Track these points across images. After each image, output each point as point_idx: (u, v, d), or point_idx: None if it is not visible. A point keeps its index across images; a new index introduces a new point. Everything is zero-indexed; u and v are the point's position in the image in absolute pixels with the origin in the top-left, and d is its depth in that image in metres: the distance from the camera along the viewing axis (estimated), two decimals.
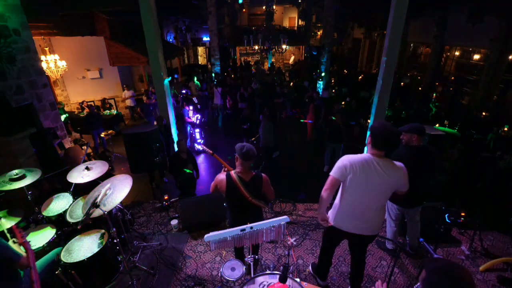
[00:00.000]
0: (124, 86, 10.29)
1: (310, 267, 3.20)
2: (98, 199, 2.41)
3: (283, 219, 2.12)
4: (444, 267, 1.28)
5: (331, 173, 2.27)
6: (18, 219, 2.95)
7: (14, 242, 2.41)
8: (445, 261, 1.35)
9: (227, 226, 2.56)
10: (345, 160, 2.22)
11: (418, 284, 2.01)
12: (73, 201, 3.34)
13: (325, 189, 2.27)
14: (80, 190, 3.57)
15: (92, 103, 9.24)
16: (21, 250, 2.23)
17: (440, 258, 1.44)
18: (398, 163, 2.22)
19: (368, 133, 2.24)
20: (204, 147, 3.31)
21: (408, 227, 3.27)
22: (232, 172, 2.43)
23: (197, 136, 7.37)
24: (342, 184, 2.30)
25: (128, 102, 10.42)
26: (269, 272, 2.21)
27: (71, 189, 3.50)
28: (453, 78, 10.52)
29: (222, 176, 2.44)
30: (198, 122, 7.43)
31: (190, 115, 7.37)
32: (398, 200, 3.06)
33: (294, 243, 3.64)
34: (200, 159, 7.03)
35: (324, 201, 2.27)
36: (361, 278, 2.71)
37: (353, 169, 2.18)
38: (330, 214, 2.48)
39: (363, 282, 3.04)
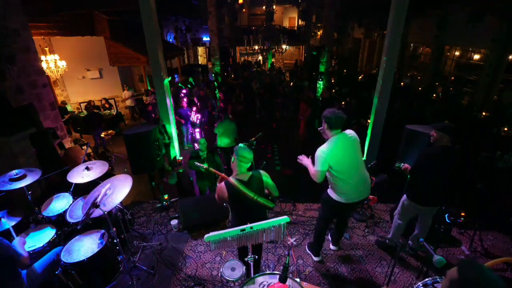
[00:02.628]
0: (125, 86, 10.30)
1: (306, 247, 3.54)
2: (98, 199, 2.41)
3: (283, 219, 2.12)
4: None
5: (316, 168, 2.69)
6: (18, 219, 2.95)
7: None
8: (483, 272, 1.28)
9: (227, 226, 2.55)
10: (321, 153, 2.66)
11: (419, 284, 2.02)
12: (73, 201, 3.34)
13: (317, 180, 2.73)
14: (80, 190, 3.57)
15: (92, 103, 9.24)
16: (23, 249, 2.24)
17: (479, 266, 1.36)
18: (348, 131, 2.75)
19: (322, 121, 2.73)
20: (197, 163, 3.24)
21: (417, 230, 3.24)
22: (230, 178, 2.39)
23: (197, 136, 7.37)
24: (330, 172, 2.71)
25: (128, 102, 10.43)
26: (269, 272, 2.21)
27: (71, 189, 3.50)
28: (453, 78, 10.51)
29: (221, 185, 2.40)
30: (198, 122, 7.43)
31: (192, 116, 7.37)
32: (418, 198, 3.03)
33: (294, 243, 3.64)
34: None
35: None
36: (341, 235, 3.45)
37: (331, 157, 2.63)
38: (334, 194, 2.85)
39: (363, 282, 3.05)
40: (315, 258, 3.34)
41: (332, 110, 2.66)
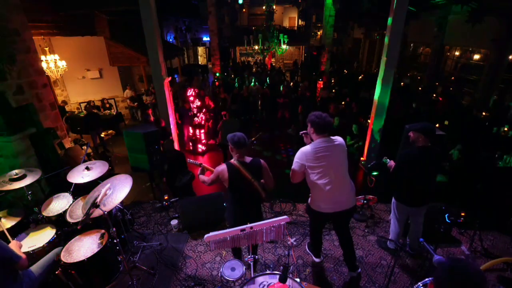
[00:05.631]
0: (128, 85, 10.32)
1: (306, 246, 3.49)
2: (98, 199, 2.41)
3: (283, 219, 2.12)
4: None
5: (292, 167, 2.66)
6: (18, 219, 2.95)
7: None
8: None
9: (227, 226, 2.57)
10: (299, 154, 2.61)
11: (419, 284, 2.02)
12: (73, 201, 3.34)
13: (293, 181, 2.71)
14: (80, 190, 3.58)
15: (92, 103, 9.24)
16: (20, 251, 2.23)
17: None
18: (335, 137, 2.64)
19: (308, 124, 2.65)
20: (191, 160, 3.31)
21: (411, 228, 3.27)
22: (232, 160, 2.55)
23: (202, 137, 7.32)
24: (309, 175, 2.62)
25: (129, 102, 10.42)
26: (269, 272, 2.21)
27: (71, 189, 3.50)
28: (453, 78, 10.51)
29: (222, 166, 2.53)
30: (202, 122, 7.37)
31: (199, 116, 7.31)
32: (404, 200, 3.07)
33: (294, 243, 3.64)
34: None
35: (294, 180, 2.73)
36: (353, 255, 3.01)
37: (307, 158, 2.56)
38: (312, 202, 2.76)
39: (363, 282, 3.05)
40: (316, 259, 3.32)
41: (318, 114, 2.57)
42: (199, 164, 3.17)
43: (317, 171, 2.56)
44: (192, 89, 7.19)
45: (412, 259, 3.33)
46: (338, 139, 2.63)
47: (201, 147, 7.30)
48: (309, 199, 2.81)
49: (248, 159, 2.56)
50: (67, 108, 9.55)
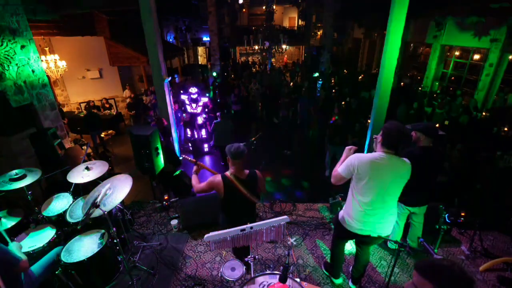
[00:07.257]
0: (127, 85, 10.33)
1: (323, 267, 3.23)
2: (98, 199, 2.41)
3: (283, 219, 2.12)
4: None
5: (339, 169, 2.33)
6: (18, 219, 2.95)
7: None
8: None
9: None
10: (354, 159, 2.24)
11: None
12: (73, 201, 3.34)
13: (333, 182, 2.41)
14: (80, 190, 3.58)
15: (92, 103, 9.24)
16: (20, 253, 2.23)
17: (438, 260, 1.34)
18: (405, 159, 2.26)
19: (380, 132, 2.28)
20: (186, 157, 3.20)
21: (411, 228, 3.27)
22: (227, 173, 2.45)
23: (203, 135, 7.32)
24: (352, 185, 2.34)
25: (127, 111, 10.39)
26: (269, 272, 2.21)
27: (71, 189, 3.50)
28: (453, 78, 10.51)
29: (218, 178, 2.44)
30: (203, 121, 7.37)
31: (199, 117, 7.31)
32: (405, 200, 3.04)
33: (294, 243, 3.64)
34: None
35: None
36: (363, 273, 2.83)
37: (362, 169, 2.20)
38: (343, 216, 2.49)
39: (363, 282, 3.05)
40: (336, 281, 3.04)
41: (396, 125, 2.16)
42: (195, 162, 3.08)
43: (362, 184, 2.24)
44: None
45: (412, 259, 3.32)
46: (406, 163, 2.23)
47: (205, 147, 7.31)
48: (341, 210, 2.56)
49: (245, 173, 2.45)
50: (67, 108, 9.56)
